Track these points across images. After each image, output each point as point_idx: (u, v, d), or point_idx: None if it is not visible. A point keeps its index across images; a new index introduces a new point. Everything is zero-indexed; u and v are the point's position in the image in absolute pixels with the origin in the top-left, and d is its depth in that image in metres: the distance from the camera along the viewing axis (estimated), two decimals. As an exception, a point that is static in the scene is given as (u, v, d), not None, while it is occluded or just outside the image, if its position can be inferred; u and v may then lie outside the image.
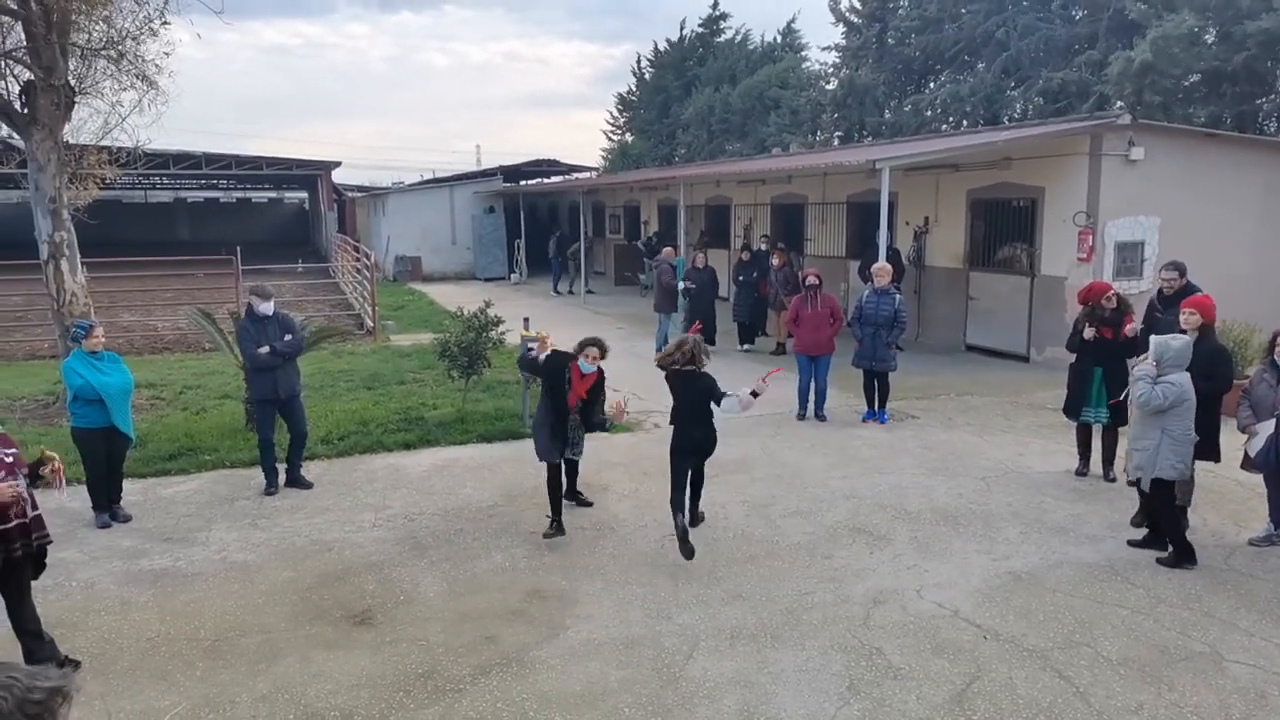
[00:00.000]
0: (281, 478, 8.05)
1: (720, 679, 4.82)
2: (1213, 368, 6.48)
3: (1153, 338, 6.20)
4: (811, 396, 10.22)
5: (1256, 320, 10.91)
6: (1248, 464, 6.40)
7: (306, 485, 8.05)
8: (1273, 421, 6.14)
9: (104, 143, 11.30)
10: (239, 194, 57.52)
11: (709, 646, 5.16)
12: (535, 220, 33.14)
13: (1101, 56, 23.83)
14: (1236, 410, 6.53)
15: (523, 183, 33.85)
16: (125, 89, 10.70)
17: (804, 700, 4.62)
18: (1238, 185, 13.18)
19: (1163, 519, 6.22)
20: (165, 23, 10.26)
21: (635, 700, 4.64)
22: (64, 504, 7.49)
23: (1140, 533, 6.51)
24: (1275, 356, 6.25)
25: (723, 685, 4.76)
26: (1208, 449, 6.61)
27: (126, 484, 7.61)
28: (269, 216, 58.27)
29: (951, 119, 28.47)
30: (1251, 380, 6.51)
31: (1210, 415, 6.55)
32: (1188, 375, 6.04)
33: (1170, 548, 6.17)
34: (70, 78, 10.07)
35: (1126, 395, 6.69)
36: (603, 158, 47.53)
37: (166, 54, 10.64)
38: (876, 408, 10.15)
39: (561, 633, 5.36)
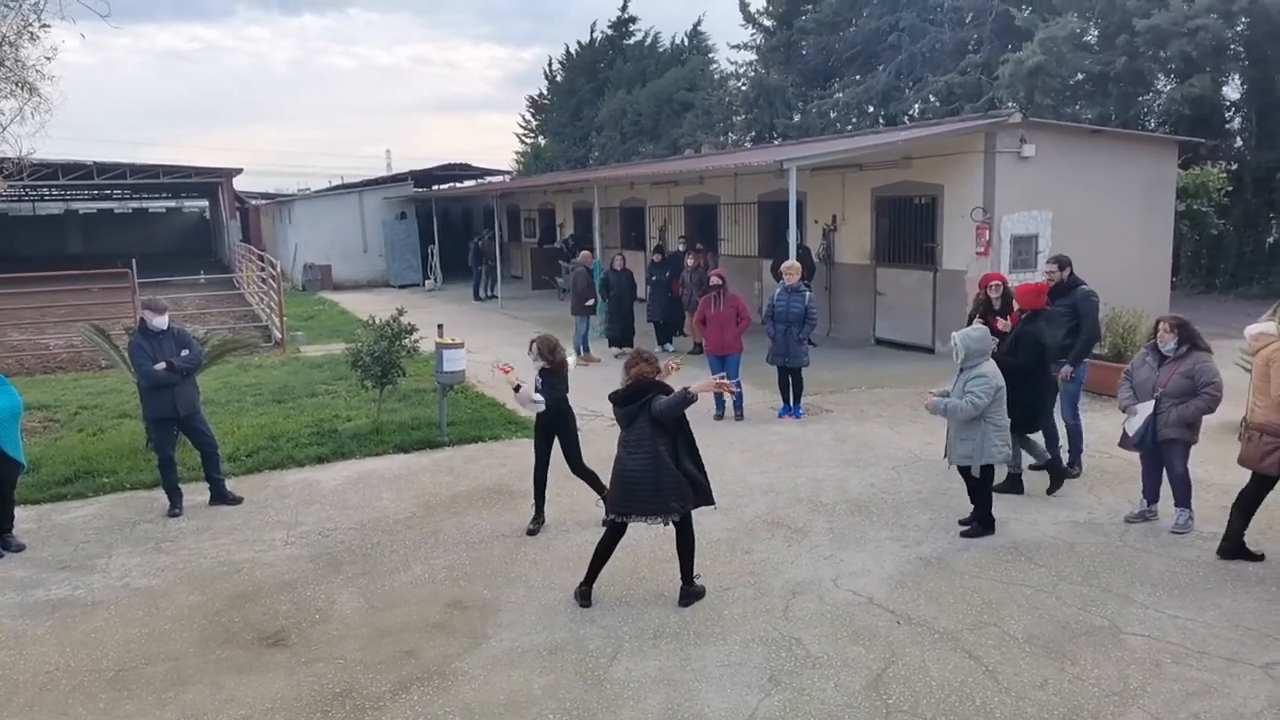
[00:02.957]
0: (205, 497, 7.82)
1: (644, 679, 4.85)
2: (1016, 347, 7.25)
3: (953, 334, 6.66)
4: (728, 396, 10.35)
5: (1143, 307, 11.51)
6: (1125, 442, 6.75)
7: (236, 500, 7.82)
8: (1151, 403, 6.49)
9: (-16, 154, 10.72)
10: (135, 204, 55.29)
11: (632, 647, 5.19)
12: (449, 226, 32.71)
13: (985, 59, 24.83)
14: (1117, 390, 6.89)
15: (435, 187, 33.38)
16: (4, 96, 10.17)
17: (727, 694, 4.68)
18: (1123, 179, 13.87)
19: (980, 495, 6.69)
20: (45, 25, 9.80)
21: (559, 706, 4.62)
22: (-51, 536, 7.10)
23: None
24: (1157, 342, 6.59)
25: (647, 685, 4.79)
26: (1028, 421, 7.27)
27: (19, 511, 7.24)
28: (168, 226, 56.16)
29: (854, 120, 29.23)
30: (1133, 363, 6.87)
31: (1029, 389, 7.10)
32: (993, 363, 6.57)
33: (976, 520, 6.73)
34: (-57, 85, 9.53)
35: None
36: (516, 161, 47.23)
37: (48, 59, 10.16)
38: (791, 403, 10.34)
39: (484, 642, 5.31)
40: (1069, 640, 5.13)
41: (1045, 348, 7.26)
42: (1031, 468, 8.07)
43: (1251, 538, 6.12)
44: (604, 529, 5.86)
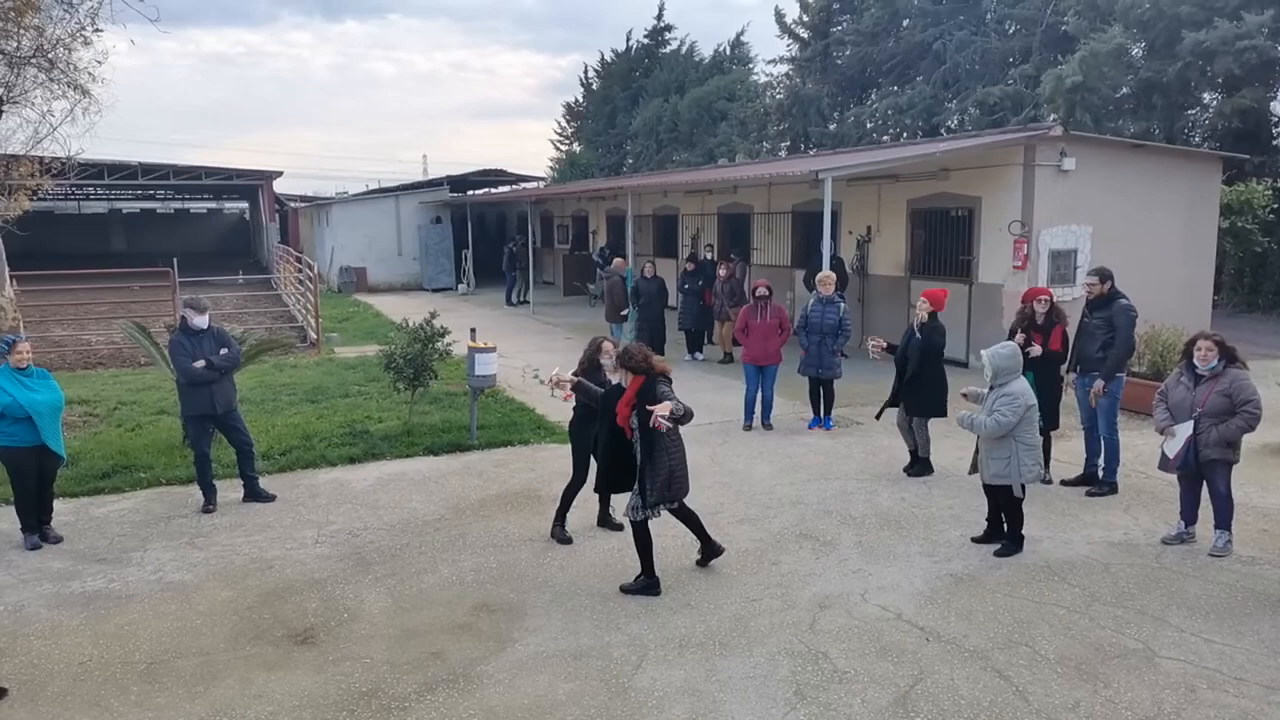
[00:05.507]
0: (239, 494, 7.93)
1: (669, 688, 4.83)
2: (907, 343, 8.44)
3: (982, 351, 6.56)
4: (758, 406, 10.30)
5: (1183, 325, 11.29)
6: (1166, 465, 6.60)
7: (269, 498, 7.92)
8: (1190, 424, 6.35)
9: (35, 152, 10.99)
10: (177, 204, 56.34)
11: (658, 656, 5.17)
12: (483, 230, 32.95)
13: (1035, 70, 24.51)
14: (1153, 412, 6.75)
15: (470, 193, 33.65)
16: (57, 98, 10.45)
17: (752, 707, 4.64)
18: (1165, 195, 13.64)
19: (1013, 515, 6.59)
20: (98, 30, 10.04)
21: (584, 712, 4.62)
22: (-9, 526, 7.26)
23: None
24: (1196, 360, 6.45)
25: (671, 695, 4.77)
26: (924, 408, 8.45)
27: (58, 504, 7.38)
28: (208, 227, 57.16)
29: (892, 130, 29.02)
30: (1167, 383, 6.72)
31: (923, 382, 8.39)
32: (1024, 381, 6.50)
33: (1008, 539, 6.61)
34: (-3, 86, 9.80)
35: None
36: (550, 168, 47.53)
37: (99, 62, 10.42)
38: (822, 414, 10.27)
39: (509, 646, 5.32)
40: (1102, 662, 5.03)
41: (937, 348, 8.28)
42: (908, 466, 8.52)
43: (1263, 554, 5.99)
44: (637, 526, 5.92)
